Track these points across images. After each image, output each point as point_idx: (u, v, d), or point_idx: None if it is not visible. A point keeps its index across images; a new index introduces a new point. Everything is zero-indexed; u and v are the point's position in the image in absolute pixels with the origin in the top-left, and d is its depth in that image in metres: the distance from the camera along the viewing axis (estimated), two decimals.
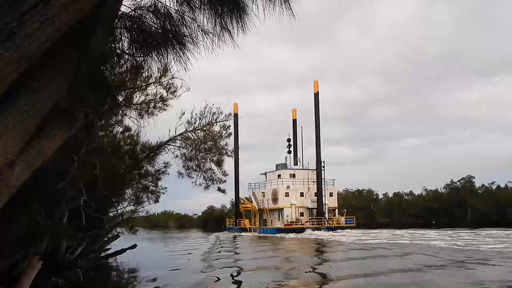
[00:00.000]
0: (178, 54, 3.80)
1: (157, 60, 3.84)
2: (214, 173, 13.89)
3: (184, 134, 13.04)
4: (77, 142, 5.67)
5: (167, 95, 11.59)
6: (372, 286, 10.87)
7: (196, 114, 12.99)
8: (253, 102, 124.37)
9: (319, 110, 48.44)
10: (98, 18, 2.85)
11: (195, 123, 13.03)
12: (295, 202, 47.98)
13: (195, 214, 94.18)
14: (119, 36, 3.75)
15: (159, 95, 11.43)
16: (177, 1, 3.65)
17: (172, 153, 13.23)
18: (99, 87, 3.63)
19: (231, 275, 12.88)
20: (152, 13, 3.68)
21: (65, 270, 8.92)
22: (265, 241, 32.95)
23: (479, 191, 61.22)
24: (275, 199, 48.95)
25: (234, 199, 58.22)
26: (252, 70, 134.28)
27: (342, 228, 45.46)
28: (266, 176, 54.84)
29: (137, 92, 10.77)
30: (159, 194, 14.44)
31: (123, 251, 12.11)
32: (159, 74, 10.29)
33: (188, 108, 12.96)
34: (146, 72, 7.33)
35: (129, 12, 3.68)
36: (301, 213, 48.07)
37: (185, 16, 3.71)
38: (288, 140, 54.78)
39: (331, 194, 49.77)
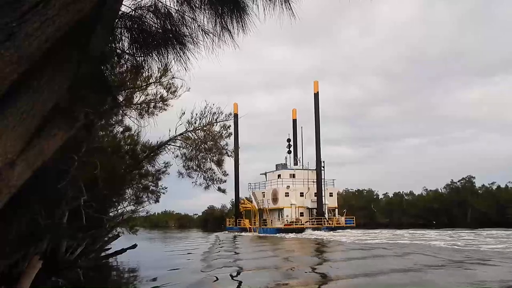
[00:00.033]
0: (178, 54, 3.80)
1: (157, 60, 3.85)
2: (214, 173, 13.92)
3: (184, 134, 13.05)
4: (77, 142, 5.67)
5: (167, 95, 11.61)
6: (372, 286, 10.87)
7: (196, 114, 13.01)
8: (253, 102, 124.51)
9: (319, 110, 48.48)
10: (98, 18, 2.85)
11: (195, 123, 13.05)
12: (295, 202, 47.99)
13: (195, 214, 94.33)
14: (119, 36, 3.75)
15: (159, 95, 11.45)
16: (177, 1, 3.65)
17: (173, 153, 13.26)
18: (99, 87, 3.63)
19: (231, 275, 12.88)
20: (153, 13, 3.68)
21: (65, 270, 8.92)
22: (265, 241, 32.95)
23: (479, 191, 61.20)
24: (275, 199, 48.96)
25: (234, 199, 58.28)
26: (252, 70, 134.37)
27: (342, 228, 45.46)
28: (266, 176, 54.86)
29: (137, 92, 10.78)
30: (159, 194, 14.47)
31: (123, 251, 12.11)
32: (160, 74, 10.30)
33: (188, 108, 13.00)
34: (146, 72, 7.32)
35: (130, 12, 3.69)
36: (301, 213, 48.08)
37: (186, 16, 3.71)
38: (288, 140, 54.81)
39: (331, 194, 49.78)
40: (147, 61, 3.91)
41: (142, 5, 3.68)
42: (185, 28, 3.75)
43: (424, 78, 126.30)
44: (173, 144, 13.05)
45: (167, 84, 11.33)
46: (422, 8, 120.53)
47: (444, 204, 60.81)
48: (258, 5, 3.50)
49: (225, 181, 14.45)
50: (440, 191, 65.38)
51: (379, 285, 10.94)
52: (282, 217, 47.75)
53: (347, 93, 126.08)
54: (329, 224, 45.56)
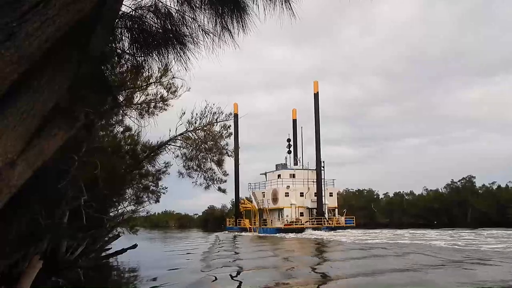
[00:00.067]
0: (178, 54, 3.80)
1: (157, 60, 3.85)
2: (214, 173, 13.93)
3: (184, 134, 13.06)
4: (77, 142, 5.67)
5: (167, 95, 11.61)
6: (372, 286, 10.87)
7: (196, 114, 13.02)
8: (253, 102, 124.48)
9: (319, 110, 48.50)
10: (98, 18, 2.85)
11: (195, 123, 13.06)
12: (295, 202, 47.99)
13: (196, 214, 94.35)
14: (119, 36, 3.75)
15: (159, 95, 11.46)
16: (177, 1, 3.65)
17: (173, 153, 13.27)
18: (99, 87, 3.63)
19: (230, 275, 12.88)
20: (153, 13, 3.68)
21: (65, 270, 8.92)
22: (265, 241, 32.95)
23: (479, 191, 61.18)
24: (275, 199, 48.97)
25: (234, 199, 58.29)
26: (252, 70, 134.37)
27: (342, 228, 45.47)
28: (266, 176, 54.87)
29: (138, 92, 10.79)
30: (159, 194, 14.47)
31: (123, 251, 12.11)
32: (160, 74, 10.31)
33: (188, 108, 13.00)
34: (147, 72, 7.34)
35: (130, 12, 3.69)
36: (301, 213, 48.09)
37: (186, 16, 3.71)
38: (288, 140, 54.83)
39: (331, 194, 49.79)
40: (148, 61, 3.91)
41: (143, 5, 3.69)
42: (185, 28, 3.75)
43: (425, 78, 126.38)
44: (173, 144, 13.06)
45: (167, 84, 11.35)
46: (422, 8, 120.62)
47: (444, 204, 60.79)
48: (258, 5, 3.50)
49: (225, 181, 14.48)
50: (441, 191, 65.42)
51: (379, 285, 10.94)
52: (282, 217, 47.76)
53: (347, 93, 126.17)
54: (329, 224, 45.56)
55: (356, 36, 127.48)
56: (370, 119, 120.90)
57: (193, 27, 3.76)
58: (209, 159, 13.61)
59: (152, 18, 3.69)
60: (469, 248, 20.62)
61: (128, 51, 3.89)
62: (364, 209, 65.59)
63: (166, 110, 11.74)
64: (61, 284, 8.40)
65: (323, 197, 47.31)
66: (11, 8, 2.22)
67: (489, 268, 13.34)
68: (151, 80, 10.67)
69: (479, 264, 14.28)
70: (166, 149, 13.01)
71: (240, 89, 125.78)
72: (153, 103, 11.37)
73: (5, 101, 2.35)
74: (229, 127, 13.73)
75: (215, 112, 13.16)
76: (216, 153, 13.47)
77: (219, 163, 13.59)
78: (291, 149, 54.33)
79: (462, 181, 62.67)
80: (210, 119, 13.13)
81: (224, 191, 14.81)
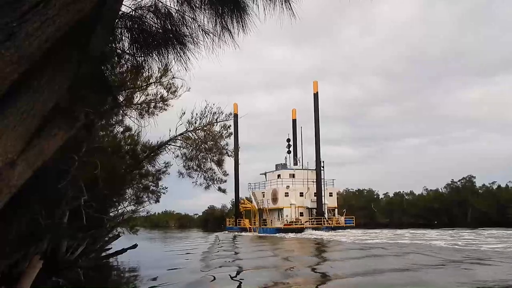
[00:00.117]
0: (178, 54, 3.80)
1: (157, 60, 3.85)
2: (214, 173, 13.92)
3: (184, 134, 13.06)
4: (77, 142, 5.67)
5: (167, 95, 11.61)
6: (372, 285, 10.87)
7: (196, 114, 13.02)
8: (253, 102, 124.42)
9: (318, 110, 48.53)
10: (98, 18, 2.85)
11: (195, 123, 13.05)
12: (295, 202, 48.00)
13: (196, 214, 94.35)
14: (119, 36, 3.75)
15: (159, 95, 11.45)
16: (177, 1, 3.65)
17: (173, 153, 13.26)
18: (99, 87, 3.63)
19: (230, 275, 12.88)
20: (153, 13, 3.68)
21: (65, 270, 8.92)
22: (265, 241, 32.96)
23: (479, 191, 61.18)
24: (274, 199, 48.97)
25: (234, 199, 58.30)
26: (252, 70, 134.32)
27: (342, 228, 45.49)
28: (266, 176, 54.88)
29: (138, 92, 10.79)
30: (159, 194, 14.47)
31: (123, 251, 12.11)
32: (160, 74, 10.31)
33: (188, 108, 13.00)
34: (147, 72, 7.34)
35: (130, 12, 3.69)
36: (300, 213, 48.09)
37: (186, 16, 3.71)
38: (288, 140, 54.84)
39: (330, 194, 49.80)
40: (147, 61, 3.91)
41: (142, 5, 3.69)
42: (185, 28, 3.75)
43: (425, 78, 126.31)
44: (173, 144, 13.05)
45: (167, 84, 11.35)
46: (422, 8, 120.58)
47: (444, 204, 60.79)
48: (258, 5, 3.50)
49: (225, 181, 14.47)
50: (441, 190, 65.40)
51: (379, 285, 10.94)
52: (282, 217, 47.77)
53: (347, 93, 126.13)
54: (329, 224, 45.57)
55: (356, 36, 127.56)
56: (370, 119, 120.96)
57: (193, 27, 3.76)
58: (209, 159, 13.61)
59: (152, 18, 3.69)
60: (469, 248, 20.62)
61: (128, 51, 3.89)
62: (364, 209, 65.59)
63: (166, 110, 11.75)
64: (61, 284, 8.40)
65: (323, 197, 47.32)
66: (11, 8, 2.22)
67: (489, 268, 13.35)
68: (151, 80, 10.67)
69: (479, 264, 14.29)
70: (166, 149, 13.02)
71: (240, 89, 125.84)
72: (153, 103, 11.37)
73: (5, 101, 2.35)
74: (229, 127, 13.73)
75: (215, 112, 13.17)
76: (216, 153, 13.47)
77: (219, 163, 13.60)
78: (291, 149, 54.36)
79: (462, 181, 62.71)
80: (210, 119, 13.13)
81: (224, 191, 14.82)
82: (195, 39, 3.79)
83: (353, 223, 48.00)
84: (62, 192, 6.25)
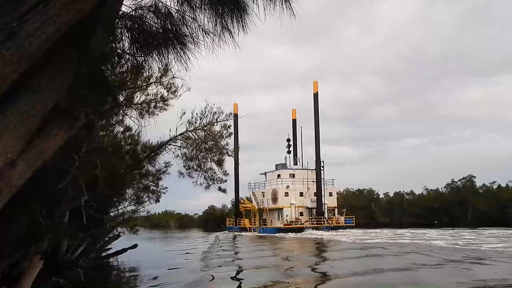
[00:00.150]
0: (178, 54, 3.80)
1: (157, 60, 3.85)
2: (214, 172, 13.93)
3: (184, 134, 13.06)
4: (77, 142, 5.67)
5: (167, 95, 11.62)
6: (371, 285, 10.88)
7: (196, 114, 13.02)
8: (253, 102, 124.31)
9: (318, 110, 48.56)
10: (98, 18, 2.85)
11: (195, 122, 13.06)
12: (295, 202, 48.02)
13: (196, 214, 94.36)
14: (119, 36, 3.75)
15: (159, 95, 11.46)
16: (177, 1, 3.65)
17: (173, 152, 13.27)
18: (99, 87, 3.63)
19: (229, 274, 12.89)
20: (153, 13, 3.68)
21: (65, 270, 8.92)
22: (265, 240, 32.97)
23: (480, 190, 61.17)
24: (274, 199, 48.99)
25: (234, 199, 58.32)
26: (252, 69, 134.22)
27: (342, 227, 45.53)
28: (265, 176, 54.90)
29: (138, 92, 10.79)
30: (159, 194, 14.48)
31: (124, 250, 12.12)
32: (160, 74, 10.31)
33: (188, 108, 13.00)
34: (147, 72, 7.35)
35: (130, 12, 3.69)
36: (300, 212, 48.11)
37: (186, 16, 3.71)
38: (288, 140, 54.87)
39: (330, 194, 49.81)
40: (148, 61, 3.91)
41: (143, 5, 3.69)
42: (185, 28, 3.75)
43: (425, 78, 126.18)
44: (173, 144, 13.06)
45: (167, 84, 11.35)
46: (422, 8, 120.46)
47: (444, 203, 60.79)
48: (258, 5, 3.50)
49: (225, 181, 14.48)
50: (441, 190, 65.39)
51: (378, 284, 10.95)
52: (281, 216, 47.79)
53: (347, 93, 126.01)
54: (329, 224, 45.60)
55: (356, 36, 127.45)
56: (370, 119, 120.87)
57: (193, 27, 3.76)
58: (209, 159, 13.62)
59: (152, 18, 3.69)
60: (469, 247, 20.62)
61: (128, 51, 3.89)
62: (365, 209, 65.61)
63: (166, 110, 11.75)
64: (62, 284, 8.40)
65: (323, 197, 47.34)
66: (12, 8, 2.22)
67: (489, 268, 13.35)
68: (151, 80, 10.68)
69: (479, 264, 14.29)
70: (166, 149, 13.02)
71: (240, 89, 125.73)
72: (153, 103, 11.38)
73: (5, 101, 2.35)
74: (229, 127, 13.74)
75: (215, 112, 13.17)
76: (216, 153, 13.47)
77: (219, 163, 13.60)
78: (291, 149, 54.39)
79: (463, 180, 62.71)
80: (210, 119, 13.14)
81: (224, 191, 14.83)
82: (195, 39, 3.79)
83: (353, 223, 48.03)
84: (62, 192, 6.25)
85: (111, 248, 13.38)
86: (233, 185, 52.88)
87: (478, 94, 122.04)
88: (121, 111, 9.98)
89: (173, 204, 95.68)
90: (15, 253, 6.21)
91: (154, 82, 10.87)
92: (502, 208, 54.80)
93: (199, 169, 13.70)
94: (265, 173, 55.15)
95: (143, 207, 14.15)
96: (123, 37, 3.78)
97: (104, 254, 12.69)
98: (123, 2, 3.33)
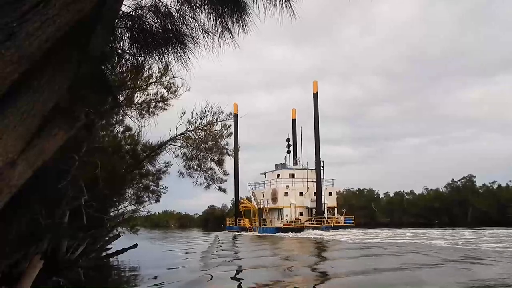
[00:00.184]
0: (179, 54, 3.80)
1: (158, 59, 3.85)
2: (215, 172, 13.92)
3: (184, 134, 13.06)
4: (77, 141, 5.67)
5: (167, 94, 11.62)
6: (370, 284, 10.88)
7: (196, 114, 13.02)
8: (253, 102, 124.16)
9: (318, 110, 48.58)
10: (98, 18, 2.85)
11: (195, 122, 13.06)
12: (295, 202, 48.04)
13: (196, 214, 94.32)
14: (119, 35, 3.75)
15: (159, 95, 11.46)
16: (178, 1, 3.65)
17: (173, 152, 13.27)
18: (99, 87, 3.63)
19: (228, 274, 12.89)
20: (153, 13, 3.68)
21: (66, 269, 8.92)
22: (264, 240, 32.97)
23: (480, 190, 61.19)
24: (274, 199, 49.01)
25: (234, 198, 58.35)
26: (252, 69, 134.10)
27: (342, 227, 45.55)
28: (265, 176, 54.92)
29: (138, 92, 10.79)
30: (160, 194, 14.47)
31: (124, 250, 12.11)
32: (160, 73, 10.31)
33: (189, 108, 13.00)
34: (147, 72, 7.35)
35: (130, 11, 3.69)
36: (300, 212, 48.13)
37: (186, 16, 3.71)
38: (288, 140, 54.89)
39: (330, 194, 49.85)
40: (148, 61, 3.91)
41: (143, 5, 3.69)
42: (185, 27, 3.75)
43: (425, 77, 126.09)
44: (173, 143, 13.06)
45: (167, 84, 11.35)
46: (422, 8, 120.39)
47: (444, 203, 60.81)
48: (258, 5, 3.50)
49: (225, 180, 14.48)
50: (441, 190, 65.41)
51: (378, 283, 10.96)
52: (281, 216, 47.81)
53: (347, 92, 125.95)
54: (328, 224, 45.63)
55: (356, 36, 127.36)
56: (370, 119, 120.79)
57: (193, 27, 3.76)
58: (209, 159, 13.61)
59: (152, 18, 3.69)
60: (470, 247, 20.63)
61: (128, 51, 3.89)
62: (365, 209, 65.64)
63: (166, 110, 11.75)
64: (62, 284, 8.40)
65: (323, 197, 47.35)
66: (12, 8, 2.22)
67: (489, 267, 13.36)
68: (151, 80, 10.68)
69: (479, 264, 14.29)
70: (167, 148, 13.02)
71: (240, 88, 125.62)
72: (153, 103, 11.38)
73: (5, 101, 2.35)
74: (229, 126, 13.73)
75: (215, 112, 13.17)
76: (216, 153, 13.47)
77: (220, 163, 13.60)
78: (291, 149, 54.44)
79: (463, 180, 62.73)
80: (211, 119, 13.14)
81: (224, 190, 14.83)
82: (195, 39, 3.79)
83: (353, 223, 48.06)
84: (62, 192, 6.25)
85: (111, 248, 13.37)
86: (233, 185, 53.00)
87: (478, 94, 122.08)
88: (121, 111, 9.98)
89: (173, 204, 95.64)
90: (15, 253, 6.21)
91: (154, 82, 10.87)
92: (502, 208, 54.81)
93: (199, 169, 13.70)
94: (265, 173, 55.17)
95: (143, 207, 14.15)
96: (123, 37, 3.78)
97: (104, 254, 12.69)
98: (123, 2, 3.33)
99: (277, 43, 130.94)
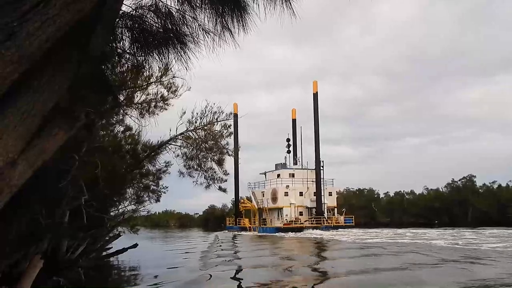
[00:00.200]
0: (179, 53, 3.80)
1: (158, 59, 3.85)
2: (215, 172, 13.93)
3: (185, 134, 13.06)
4: (78, 141, 5.67)
5: (168, 94, 11.62)
6: (370, 284, 10.88)
7: (197, 114, 13.03)
8: (253, 102, 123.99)
9: (318, 110, 48.58)
10: (99, 18, 2.85)
11: (196, 122, 13.06)
12: (294, 202, 48.03)
13: (196, 214, 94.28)
14: (120, 35, 3.75)
15: (160, 95, 11.46)
16: (178, 1, 3.65)
17: (173, 152, 13.27)
18: (99, 87, 3.63)
19: (228, 273, 12.89)
20: (153, 13, 3.68)
21: (66, 269, 8.92)
22: (264, 240, 32.98)
23: (480, 190, 61.14)
24: (274, 199, 49.01)
25: (234, 198, 58.37)
26: (253, 69, 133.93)
27: (341, 227, 45.56)
28: (265, 175, 54.92)
29: (138, 92, 10.79)
30: (160, 194, 14.48)
31: (124, 250, 12.10)
32: (160, 73, 10.31)
33: (189, 108, 13.01)
34: (147, 72, 7.34)
35: (130, 11, 3.69)
36: (300, 212, 48.13)
37: (186, 15, 3.71)
38: (288, 140, 54.90)
39: (330, 194, 49.85)
40: (148, 60, 3.91)
41: (143, 4, 3.69)
42: (185, 27, 3.75)
43: (425, 77, 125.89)
44: (173, 143, 13.06)
45: (167, 84, 11.35)
46: (422, 8, 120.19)
47: (445, 203, 60.78)
48: (258, 4, 3.50)
49: (225, 180, 14.49)
50: (441, 190, 65.36)
51: (378, 283, 10.95)
52: (281, 216, 47.81)
53: (347, 92, 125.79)
54: (328, 223, 45.64)
55: (356, 36, 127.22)
56: (370, 119, 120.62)
57: (194, 27, 3.76)
58: (209, 159, 13.61)
59: (152, 18, 3.69)
60: (470, 247, 20.62)
61: (128, 51, 3.89)
62: (365, 209, 65.62)
63: (166, 109, 11.76)
64: (62, 283, 8.40)
65: (322, 197, 47.36)
66: (12, 7, 2.22)
67: (489, 267, 13.35)
68: (151, 80, 10.68)
69: (479, 264, 14.29)
70: (167, 148, 13.03)
71: (241, 88, 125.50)
72: (153, 103, 11.37)
73: (6, 101, 2.35)
74: (229, 126, 13.74)
75: (216, 112, 13.18)
76: (216, 153, 13.47)
77: (220, 163, 13.60)
78: (291, 148, 54.44)
79: (463, 180, 62.67)
80: (211, 119, 13.14)
81: (224, 190, 14.84)
82: (196, 39, 3.79)
83: (353, 223, 48.07)
84: (62, 191, 6.25)
85: (112, 247, 13.37)
86: (233, 185, 52.99)
87: (478, 94, 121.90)
88: (122, 111, 9.98)
89: (174, 203, 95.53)
90: (15, 253, 6.21)
91: (154, 82, 10.87)
92: (502, 207, 54.78)
93: (199, 168, 13.70)
94: (265, 173, 55.18)
95: (144, 206, 14.16)
96: (124, 36, 3.78)
97: (104, 253, 12.69)
98: (124, 2, 3.33)
99: (278, 43, 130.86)
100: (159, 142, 12.61)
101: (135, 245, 12.31)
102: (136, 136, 12.14)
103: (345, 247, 23.68)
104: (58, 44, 2.44)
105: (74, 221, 7.97)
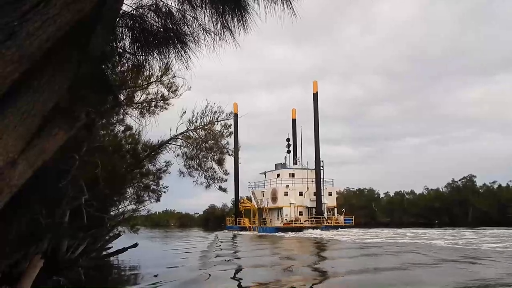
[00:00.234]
0: (179, 53, 3.80)
1: (158, 59, 3.85)
2: (215, 172, 13.93)
3: (185, 133, 13.06)
4: (78, 141, 5.66)
5: (168, 94, 11.62)
6: (370, 283, 10.88)
7: (197, 113, 13.03)
8: (253, 102, 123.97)
9: (318, 110, 48.58)
10: (99, 18, 2.84)
11: (196, 122, 13.06)
12: (294, 201, 48.06)
13: (196, 213, 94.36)
14: (120, 35, 3.75)
15: (160, 94, 11.46)
16: (178, 0, 3.64)
17: (174, 152, 13.27)
18: (99, 87, 3.63)
19: (228, 273, 12.90)
20: (154, 12, 3.68)
21: (66, 269, 8.92)
22: (264, 240, 32.99)
23: (480, 190, 61.15)
24: (274, 198, 49.03)
25: (234, 198, 58.40)
26: (253, 69, 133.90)
27: (341, 227, 45.58)
28: (265, 175, 54.94)
29: (139, 91, 10.79)
30: (160, 193, 14.48)
31: (124, 250, 12.10)
32: (161, 73, 10.30)
33: (189, 107, 13.01)
34: (148, 71, 7.33)
35: (131, 11, 3.68)
36: (300, 212, 48.16)
37: (187, 15, 3.70)
38: (288, 140, 54.91)
39: (330, 194, 49.86)
40: (148, 60, 3.91)
41: (143, 4, 3.68)
42: (186, 27, 3.74)
43: (425, 77, 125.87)
44: (174, 143, 13.06)
45: (168, 83, 11.35)
46: (423, 7, 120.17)
47: (445, 203, 60.79)
48: (259, 4, 3.49)
49: (226, 180, 14.49)
50: (441, 190, 65.37)
51: (378, 283, 10.95)
52: (281, 216, 47.82)
53: (347, 92, 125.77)
54: (328, 223, 45.66)
55: (357, 35, 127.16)
56: (370, 119, 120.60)
57: (194, 26, 3.75)
58: (209, 158, 13.61)
59: (153, 17, 3.69)
60: (470, 247, 20.62)
61: (129, 50, 3.88)
62: (365, 208, 65.65)
63: (167, 109, 11.75)
64: (62, 283, 8.40)
65: (322, 197, 47.38)
66: (12, 7, 2.22)
67: (489, 267, 13.35)
68: (152, 79, 10.67)
69: (479, 264, 14.29)
70: (167, 148, 13.02)
71: (241, 88, 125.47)
72: (154, 102, 11.37)
73: (6, 101, 2.34)
74: (229, 126, 13.74)
75: (216, 111, 13.18)
76: (216, 152, 13.47)
77: (220, 162, 13.60)
78: (291, 148, 54.46)
79: (463, 180, 62.68)
80: (211, 118, 13.14)
81: (225, 190, 14.84)
82: (196, 38, 3.78)
83: (353, 223, 48.08)
84: (62, 191, 6.24)
85: (112, 247, 13.38)
86: (233, 185, 53.00)
87: (478, 94, 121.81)
88: (122, 110, 9.99)
89: (174, 203, 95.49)
90: (15, 253, 6.21)
91: (154, 81, 10.87)
92: (502, 207, 54.78)
93: (199, 168, 13.70)
94: (265, 173, 55.19)
95: (144, 206, 14.16)
96: (124, 36, 3.77)
97: (104, 253, 12.69)
98: (124, 1, 3.32)
99: (278, 43, 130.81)
100: (160, 141, 12.62)
101: (135, 245, 12.30)
102: (137, 136, 12.15)
103: (345, 247, 23.68)
104: (58, 44, 2.44)
105: (74, 221, 7.96)
